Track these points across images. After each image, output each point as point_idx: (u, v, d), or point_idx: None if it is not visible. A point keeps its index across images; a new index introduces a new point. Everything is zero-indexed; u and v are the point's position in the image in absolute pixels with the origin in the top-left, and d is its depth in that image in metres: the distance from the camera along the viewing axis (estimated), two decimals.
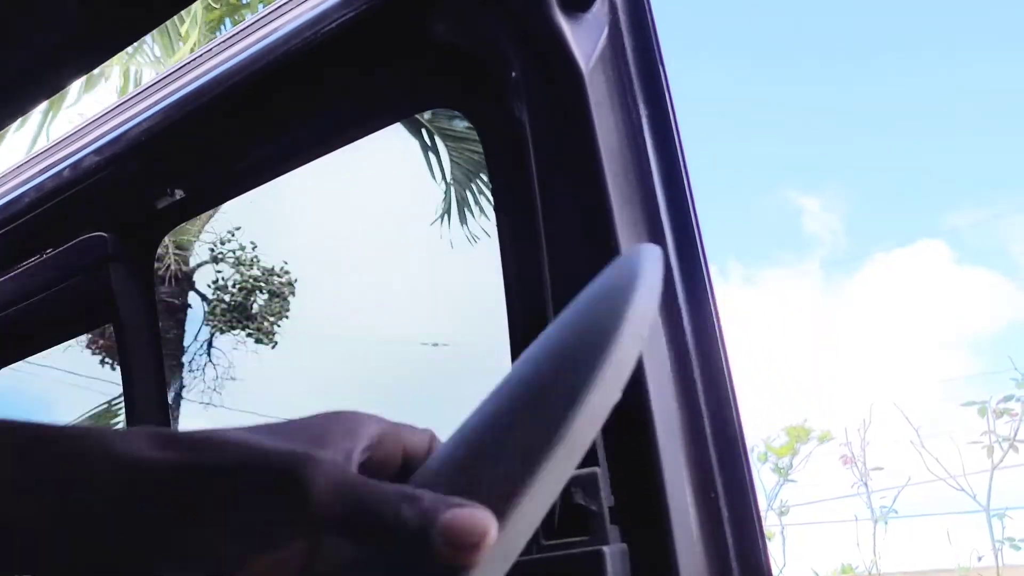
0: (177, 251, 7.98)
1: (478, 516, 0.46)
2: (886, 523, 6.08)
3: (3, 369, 1.47)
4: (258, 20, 1.06)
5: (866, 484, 6.26)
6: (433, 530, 0.46)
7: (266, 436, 0.50)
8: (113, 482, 0.48)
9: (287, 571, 0.49)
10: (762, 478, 6.42)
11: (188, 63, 1.15)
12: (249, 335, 8.72)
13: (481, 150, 0.90)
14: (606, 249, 0.76)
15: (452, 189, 7.59)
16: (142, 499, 0.47)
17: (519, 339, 0.83)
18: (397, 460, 0.55)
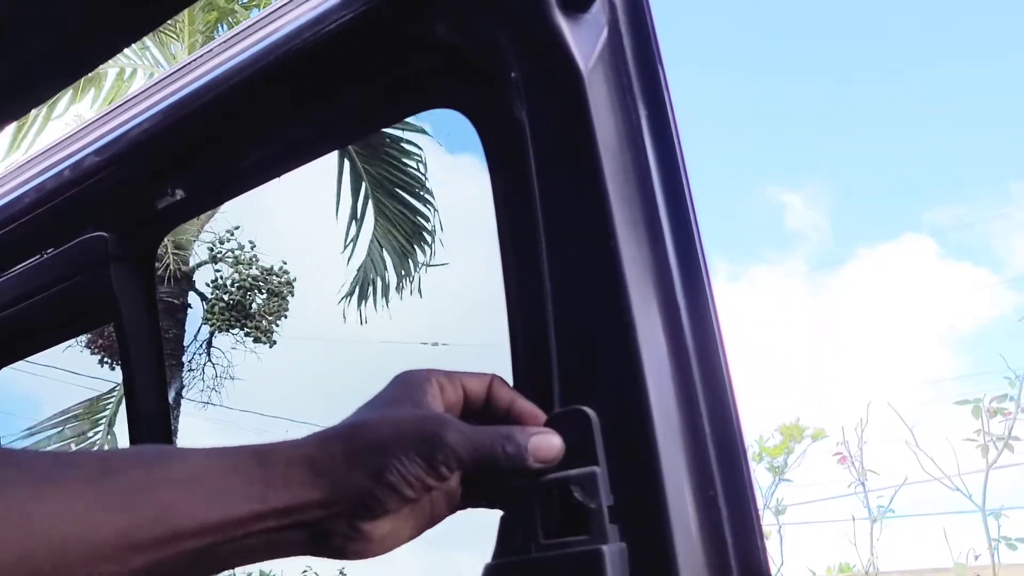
0: (176, 251, 7.97)
1: (552, 437, 0.71)
2: (881, 522, 6.08)
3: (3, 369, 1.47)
4: (258, 21, 1.06)
5: (863, 483, 6.25)
6: (528, 456, 0.69)
7: (383, 410, 0.71)
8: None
9: (449, 500, 0.73)
10: (757, 478, 6.42)
11: (189, 63, 1.15)
12: (248, 334, 8.72)
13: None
14: (606, 249, 0.76)
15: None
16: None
17: (519, 339, 0.83)
18: (459, 404, 0.74)
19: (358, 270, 7.58)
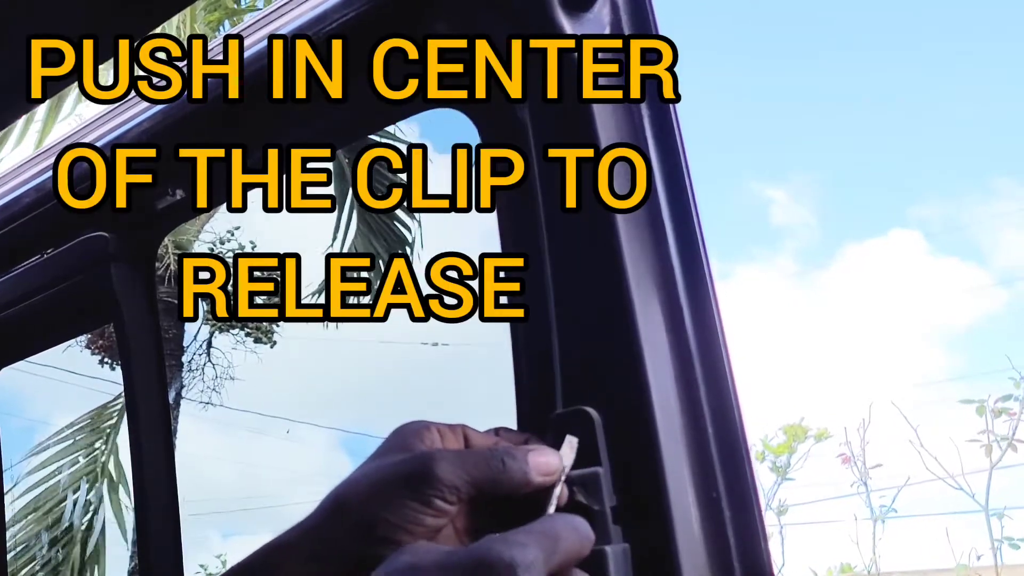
0: (177, 251, 7.97)
1: (550, 454, 0.68)
2: (884, 522, 6.08)
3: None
4: (259, 20, 1.06)
5: (865, 483, 6.25)
6: (530, 470, 0.66)
7: (368, 465, 0.68)
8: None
9: (451, 536, 0.67)
10: (760, 477, 6.42)
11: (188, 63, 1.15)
12: (248, 334, 8.73)
13: None
14: (608, 248, 0.76)
15: None
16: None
17: (521, 339, 0.83)
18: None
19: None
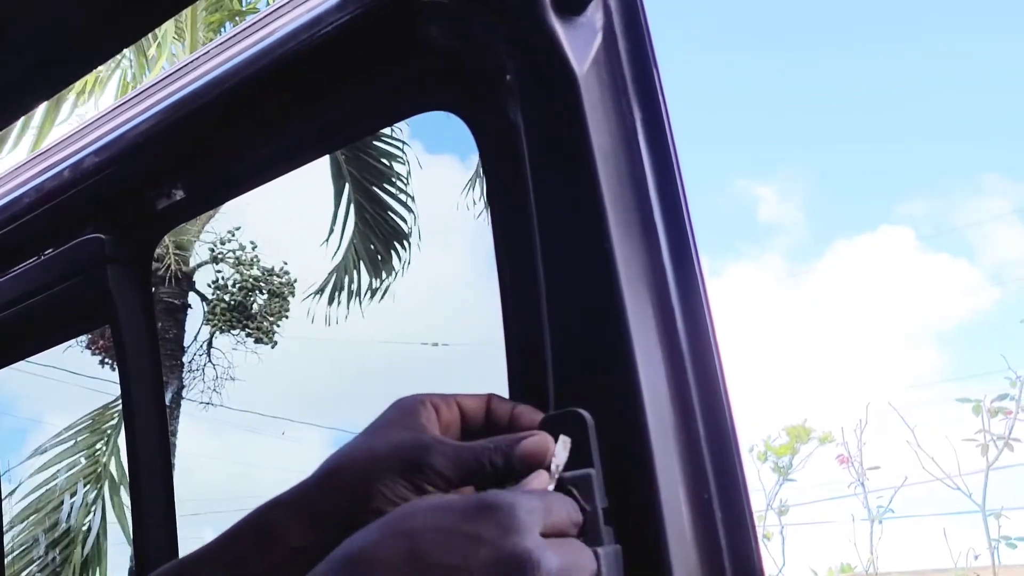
0: (177, 251, 7.98)
1: (538, 439, 0.70)
2: (881, 523, 6.08)
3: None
4: (256, 23, 1.06)
5: (863, 484, 6.25)
6: (516, 463, 0.68)
7: (367, 439, 0.72)
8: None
9: None
10: (762, 477, 6.42)
11: (187, 64, 1.15)
12: (249, 335, 8.72)
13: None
14: (600, 251, 0.77)
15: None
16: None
17: (514, 341, 0.84)
18: (456, 424, 0.75)
19: (330, 273, 7.59)
